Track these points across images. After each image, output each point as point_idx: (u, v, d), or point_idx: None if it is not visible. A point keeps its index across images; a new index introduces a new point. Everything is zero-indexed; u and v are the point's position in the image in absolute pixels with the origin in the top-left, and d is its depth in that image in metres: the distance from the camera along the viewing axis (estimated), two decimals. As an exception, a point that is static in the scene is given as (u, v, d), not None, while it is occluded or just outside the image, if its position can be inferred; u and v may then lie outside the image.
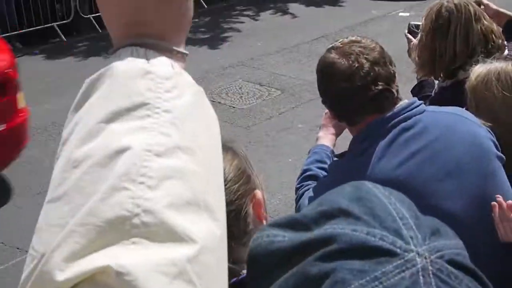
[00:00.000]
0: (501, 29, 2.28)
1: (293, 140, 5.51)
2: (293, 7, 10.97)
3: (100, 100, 0.58)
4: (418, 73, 2.58)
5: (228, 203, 1.02)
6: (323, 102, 1.83)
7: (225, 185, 1.01)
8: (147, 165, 0.52)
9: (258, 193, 1.08)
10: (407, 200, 0.66)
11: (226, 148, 1.07)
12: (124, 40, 0.63)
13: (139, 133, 0.54)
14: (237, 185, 1.04)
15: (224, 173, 0.99)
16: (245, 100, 6.58)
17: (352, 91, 1.68)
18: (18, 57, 8.32)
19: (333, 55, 1.72)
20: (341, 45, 1.74)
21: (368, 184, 0.67)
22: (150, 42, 0.62)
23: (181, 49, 0.65)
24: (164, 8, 0.63)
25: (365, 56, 1.68)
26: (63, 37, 8.96)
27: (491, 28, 2.15)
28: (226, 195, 1.03)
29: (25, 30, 8.84)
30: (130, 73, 0.58)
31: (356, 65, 1.67)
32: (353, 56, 1.68)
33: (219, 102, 6.47)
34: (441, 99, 2.20)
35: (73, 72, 7.53)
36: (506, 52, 2.17)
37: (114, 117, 0.56)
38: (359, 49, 1.70)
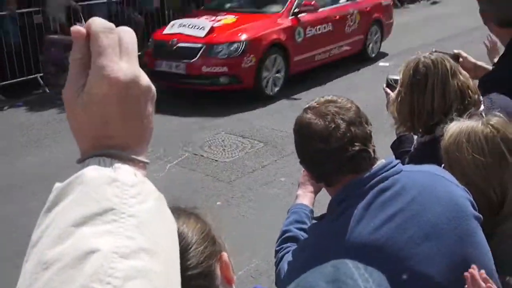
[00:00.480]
0: (477, 83, 2.32)
1: (275, 194, 5.48)
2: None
3: (71, 205, 0.63)
4: (397, 128, 2.59)
5: (195, 266, 1.04)
6: (301, 162, 1.82)
7: (190, 248, 1.04)
8: (114, 266, 0.57)
9: (225, 255, 1.11)
10: (385, 284, 0.68)
11: (189, 213, 1.14)
12: (91, 150, 0.71)
13: (107, 237, 0.60)
14: (202, 247, 1.08)
15: (188, 238, 1.08)
16: (228, 153, 6.57)
17: (329, 152, 1.67)
18: (2, 109, 8.35)
19: (309, 116, 1.71)
20: (317, 105, 1.73)
21: (349, 264, 0.70)
22: (115, 153, 0.70)
23: (143, 158, 0.73)
24: (128, 123, 0.71)
25: (341, 116, 1.67)
26: (46, 89, 8.97)
27: (467, 83, 2.18)
28: (192, 258, 1.05)
29: (9, 82, 8.87)
30: (99, 181, 0.65)
31: (333, 125, 1.66)
32: (329, 117, 1.67)
33: (202, 156, 6.46)
34: (421, 155, 2.21)
35: (56, 124, 7.51)
36: (482, 107, 2.18)
37: (84, 221, 0.61)
38: (335, 109, 1.69)
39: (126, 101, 0.70)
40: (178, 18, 9.43)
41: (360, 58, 10.24)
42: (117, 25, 0.72)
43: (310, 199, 2.06)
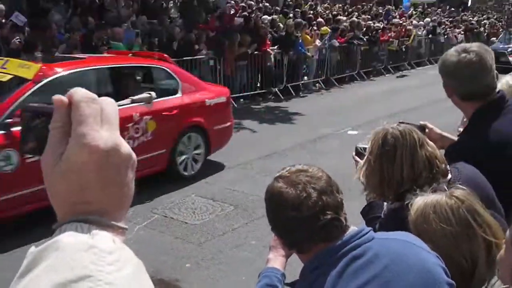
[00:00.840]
0: (443, 153, 2.40)
1: (246, 257, 5.45)
2: (246, 123, 11.32)
3: (45, 272, 0.62)
4: (367, 195, 2.65)
5: None
6: (272, 229, 1.82)
7: None
8: None
9: None
10: None
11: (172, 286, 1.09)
12: (68, 216, 0.69)
13: None
14: None
15: None
16: (197, 216, 6.54)
17: (300, 220, 1.69)
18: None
19: (281, 184, 1.73)
20: (288, 174, 1.75)
21: None
22: (93, 219, 0.69)
23: (122, 224, 0.72)
24: (107, 190, 0.71)
25: (312, 185, 1.69)
26: None
27: (435, 153, 2.23)
28: None
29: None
30: (75, 247, 0.63)
31: (304, 194, 1.68)
32: (300, 186, 1.69)
33: (172, 218, 6.41)
34: (391, 221, 2.23)
35: None
36: (449, 176, 2.24)
37: None
38: (306, 178, 1.71)
39: (106, 168, 0.70)
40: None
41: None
42: None
43: (282, 262, 2.04)
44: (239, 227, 6.20)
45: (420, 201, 1.90)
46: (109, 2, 13.52)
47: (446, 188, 2.02)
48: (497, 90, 2.58)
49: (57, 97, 0.71)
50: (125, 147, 0.73)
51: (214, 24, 13.65)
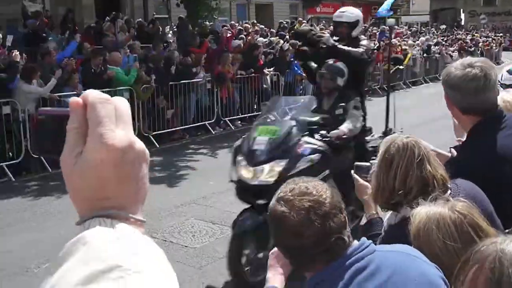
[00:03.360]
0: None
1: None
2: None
3: (76, 265, 0.66)
4: (367, 211, 2.66)
5: None
6: (275, 246, 1.83)
7: None
8: None
9: None
10: None
11: None
12: (89, 212, 0.74)
13: None
14: None
15: None
16: (197, 239, 6.51)
17: (303, 246, 1.69)
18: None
19: (283, 209, 1.71)
20: (291, 197, 1.72)
21: None
22: (114, 213, 0.73)
23: (140, 217, 0.77)
24: (123, 185, 0.76)
25: (316, 211, 1.68)
26: (12, 177, 8.86)
27: (434, 173, 2.23)
28: None
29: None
30: (103, 240, 0.68)
31: (307, 223, 1.67)
32: (303, 212, 1.68)
33: (171, 242, 6.38)
34: (391, 237, 2.24)
35: (21, 212, 7.36)
36: (448, 192, 2.23)
37: (91, 279, 0.63)
38: (309, 203, 1.69)
39: (122, 165, 0.74)
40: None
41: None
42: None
43: (281, 281, 2.03)
44: (239, 249, 6.16)
45: (423, 212, 1.90)
46: (106, 27, 13.63)
47: (447, 198, 2.01)
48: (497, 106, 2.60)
49: (73, 99, 0.76)
50: (139, 143, 0.77)
51: (208, 47, 13.73)
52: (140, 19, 17.16)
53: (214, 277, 5.50)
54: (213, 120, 12.96)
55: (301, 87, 15.73)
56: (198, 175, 9.31)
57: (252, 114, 14.04)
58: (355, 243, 1.76)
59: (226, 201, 7.77)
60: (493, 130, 2.53)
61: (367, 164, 2.67)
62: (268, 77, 14.33)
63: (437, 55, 23.18)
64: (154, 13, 18.56)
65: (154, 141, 11.09)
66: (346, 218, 1.76)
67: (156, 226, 6.80)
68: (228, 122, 13.36)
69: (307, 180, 1.80)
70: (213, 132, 12.81)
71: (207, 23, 15.93)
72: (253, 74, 13.71)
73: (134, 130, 0.82)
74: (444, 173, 2.26)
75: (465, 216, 1.86)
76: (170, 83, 11.68)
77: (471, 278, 1.17)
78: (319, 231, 1.67)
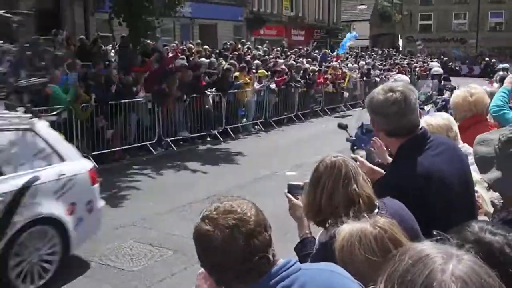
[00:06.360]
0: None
1: (185, 302, 5.33)
2: (190, 165, 11.27)
3: None
4: (300, 231, 2.68)
5: None
6: (202, 266, 1.82)
7: None
8: None
9: None
10: None
11: None
12: None
13: None
14: None
15: None
16: (135, 262, 6.38)
17: (227, 264, 1.69)
18: None
19: (208, 228, 1.71)
20: (216, 216, 1.73)
21: None
22: None
23: None
24: None
25: (240, 229, 1.69)
26: None
27: (360, 193, 2.27)
28: None
29: None
30: None
31: (231, 241, 1.67)
32: (228, 231, 1.68)
33: (108, 265, 6.22)
34: (322, 255, 2.27)
35: None
36: (376, 210, 2.28)
37: None
38: (234, 222, 1.69)
39: None
40: None
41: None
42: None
43: None
44: (178, 272, 6.08)
45: (347, 229, 1.94)
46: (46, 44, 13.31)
47: (369, 216, 2.05)
48: (420, 127, 2.70)
49: None
50: None
51: (151, 66, 13.64)
52: (82, 36, 16.89)
53: (151, 301, 5.39)
54: (154, 141, 12.82)
55: (243, 108, 15.82)
56: (138, 196, 9.16)
57: (195, 134, 14.01)
58: (280, 261, 1.77)
59: (166, 223, 7.69)
60: (418, 150, 2.63)
61: (300, 183, 2.71)
62: (210, 98, 14.35)
63: (376, 79, 23.87)
64: (98, 32, 18.29)
65: (93, 161, 10.85)
66: (271, 236, 1.77)
67: (93, 248, 6.62)
68: (169, 142, 13.24)
69: (233, 199, 1.80)
70: (155, 153, 12.66)
71: (150, 42, 15.84)
72: (194, 95, 13.69)
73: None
74: (371, 192, 2.31)
75: (386, 231, 1.91)
76: (110, 102, 11.50)
77: None
78: (243, 249, 1.67)
